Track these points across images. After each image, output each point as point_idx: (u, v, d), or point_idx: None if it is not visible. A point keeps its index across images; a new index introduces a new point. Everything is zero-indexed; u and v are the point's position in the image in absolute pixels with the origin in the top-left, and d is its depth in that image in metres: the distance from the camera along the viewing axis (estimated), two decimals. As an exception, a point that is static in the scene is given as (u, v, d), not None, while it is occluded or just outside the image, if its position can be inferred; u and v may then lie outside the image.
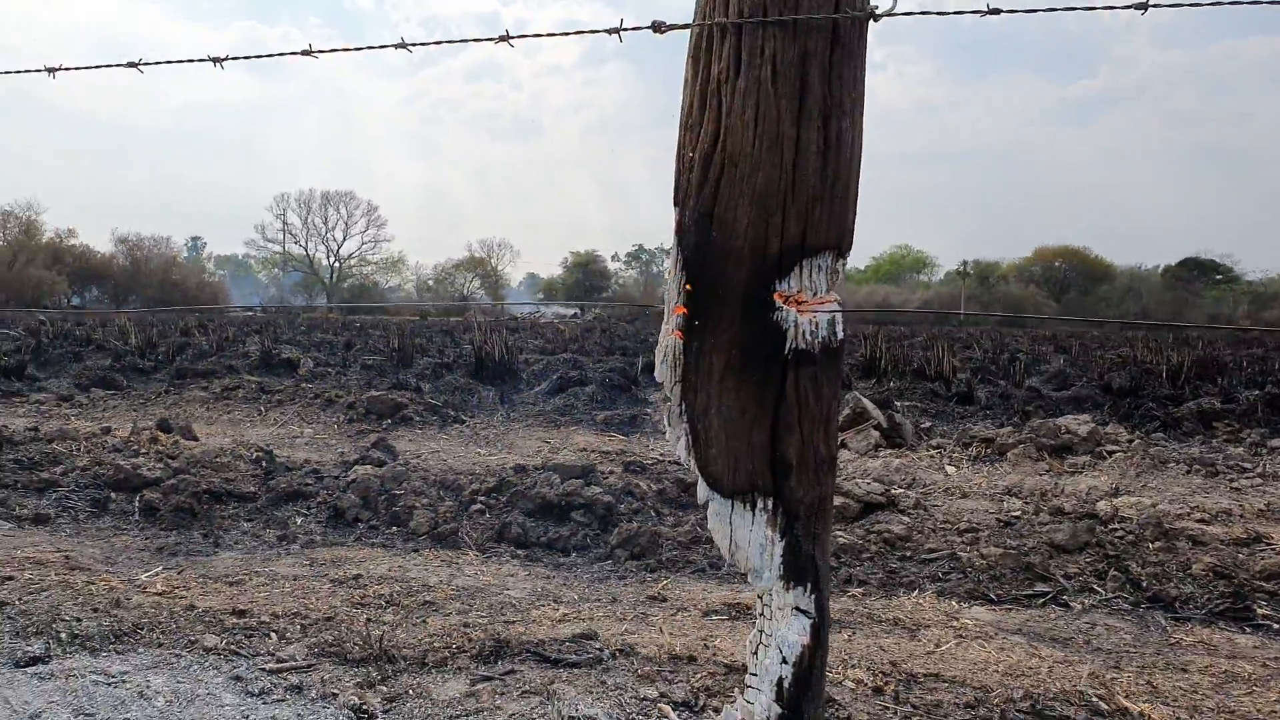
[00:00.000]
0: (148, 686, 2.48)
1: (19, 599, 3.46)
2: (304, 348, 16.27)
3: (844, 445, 7.10)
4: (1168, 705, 2.63)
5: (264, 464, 6.27)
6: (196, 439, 6.98)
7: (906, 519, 5.18)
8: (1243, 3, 1.60)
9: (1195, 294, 70.49)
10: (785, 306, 1.66)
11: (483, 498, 5.34)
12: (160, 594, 3.62)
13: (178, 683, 2.52)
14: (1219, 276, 75.34)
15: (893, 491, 5.88)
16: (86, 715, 2.31)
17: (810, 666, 1.81)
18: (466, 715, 2.29)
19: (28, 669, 2.62)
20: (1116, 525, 4.94)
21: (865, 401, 7.53)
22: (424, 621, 3.34)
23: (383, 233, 78.80)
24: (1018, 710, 2.38)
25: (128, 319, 21.73)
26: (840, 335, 1.74)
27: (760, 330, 1.66)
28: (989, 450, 6.93)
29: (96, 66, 2.17)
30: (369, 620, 3.30)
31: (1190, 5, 1.62)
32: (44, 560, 4.11)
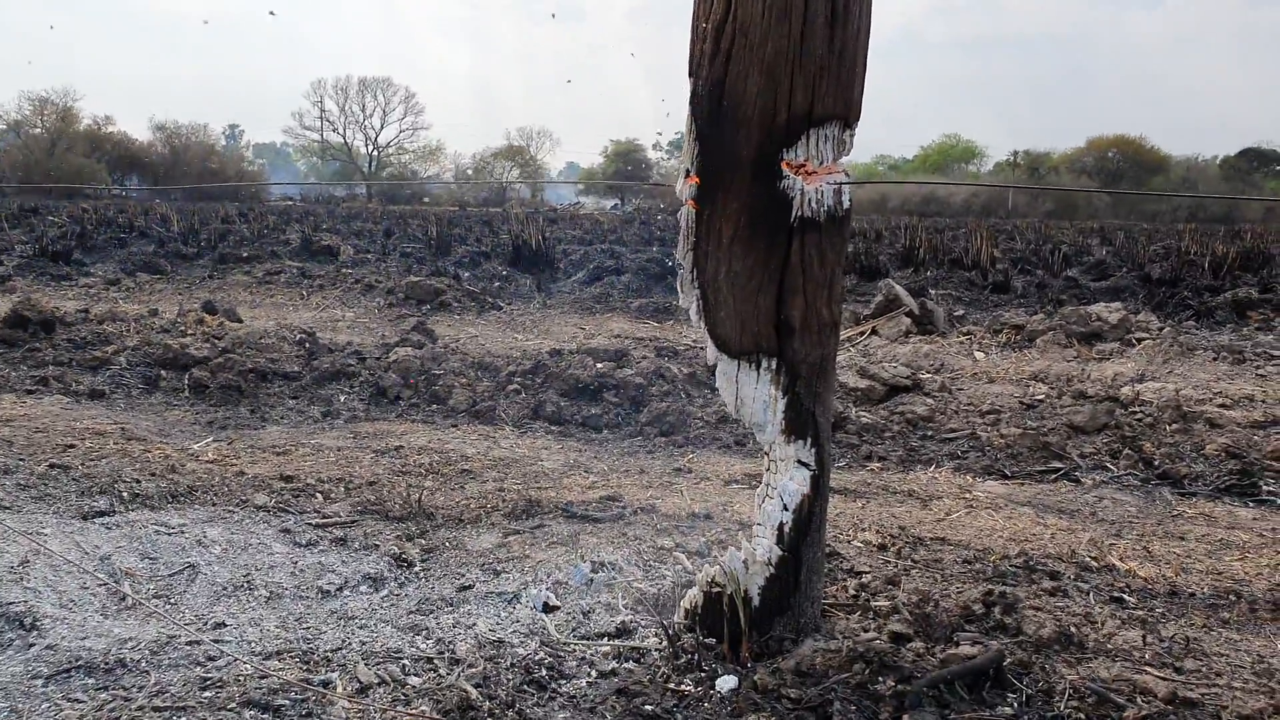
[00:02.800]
0: (205, 536, 2.70)
1: (81, 464, 3.70)
2: (343, 235, 16.47)
3: (875, 332, 7.18)
4: (1157, 566, 2.76)
5: (307, 345, 6.49)
6: (240, 321, 7.21)
7: (930, 401, 5.29)
8: None
9: (1254, 185, 68.23)
10: (792, 175, 1.74)
11: (519, 378, 5.52)
12: (212, 462, 3.85)
13: (232, 534, 2.74)
14: (1279, 167, 72.77)
15: (919, 375, 5.97)
16: (151, 558, 2.53)
17: (809, 514, 1.95)
18: (498, 563, 2.48)
19: (95, 520, 2.85)
20: (1136, 408, 5.01)
21: (898, 288, 7.56)
22: (461, 487, 3.54)
23: (420, 120, 78.02)
24: (1011, 566, 2.53)
25: (170, 207, 22.00)
26: (846, 204, 1.82)
27: (768, 198, 1.75)
28: (1019, 337, 6.98)
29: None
30: (409, 485, 3.52)
31: None
32: (102, 431, 4.36)
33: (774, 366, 1.86)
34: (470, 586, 2.29)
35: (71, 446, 4.01)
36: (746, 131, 1.72)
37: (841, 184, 1.78)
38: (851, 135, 1.78)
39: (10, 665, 1.89)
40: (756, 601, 1.96)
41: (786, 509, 1.93)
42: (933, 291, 9.22)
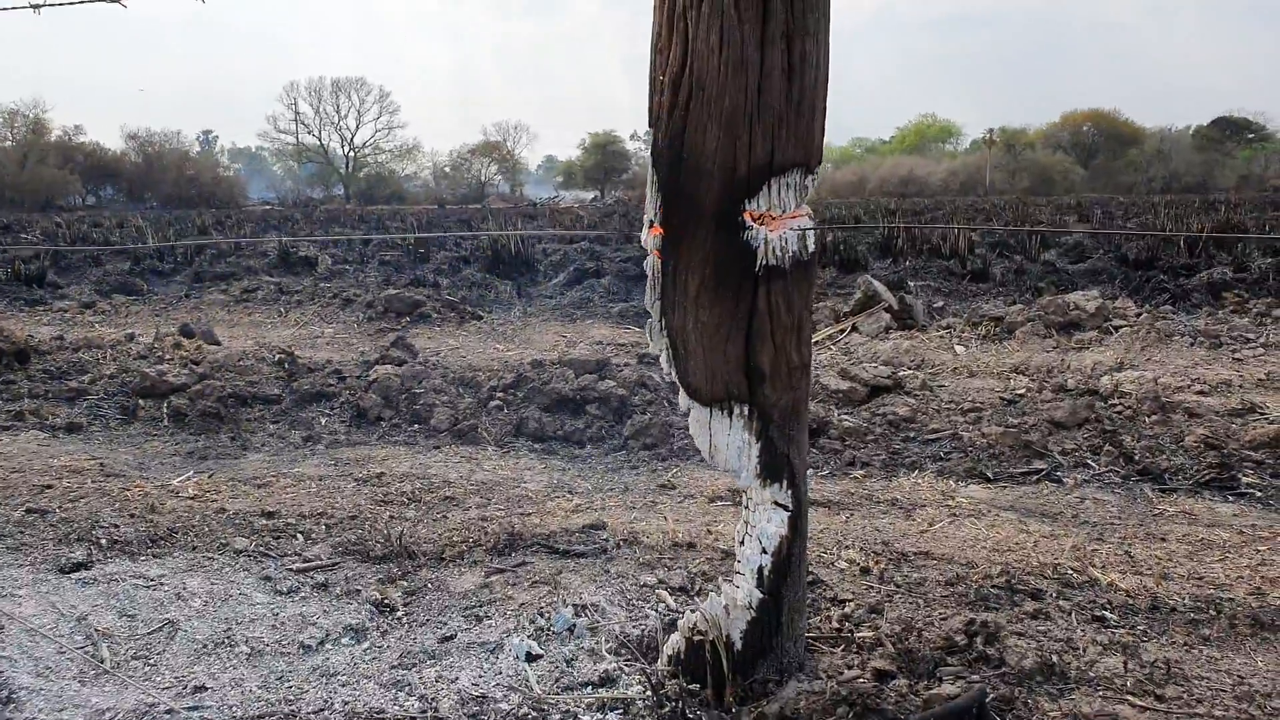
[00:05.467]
0: (184, 588, 2.68)
1: (59, 507, 3.66)
2: (322, 244, 16.36)
3: (855, 329, 7.18)
4: (1139, 575, 2.77)
5: (286, 366, 6.44)
6: (219, 343, 7.16)
7: (912, 400, 5.30)
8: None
9: (1227, 154, 68.95)
10: (755, 225, 1.72)
11: (500, 394, 5.50)
12: (192, 498, 3.82)
13: (212, 584, 2.71)
14: (1251, 135, 73.61)
15: (900, 374, 5.98)
16: (129, 616, 2.51)
17: (789, 555, 1.94)
18: (480, 606, 2.47)
19: (72, 575, 2.81)
20: (1116, 400, 5.04)
21: (876, 284, 7.57)
22: (444, 516, 3.52)
23: (396, 119, 77.80)
24: (993, 586, 2.54)
25: (143, 219, 21.85)
26: (811, 248, 1.81)
27: (732, 248, 1.74)
28: (998, 329, 7.00)
29: (81, 4, 2.20)
30: (392, 517, 3.50)
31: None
32: (80, 469, 4.31)
33: (746, 412, 1.85)
34: (452, 637, 2.27)
35: (49, 487, 3.97)
36: (708, 184, 1.71)
37: (806, 230, 1.77)
38: (814, 179, 1.77)
39: (-15, 748, 1.87)
40: (739, 645, 1.95)
41: (765, 552, 1.93)
42: (911, 283, 9.24)
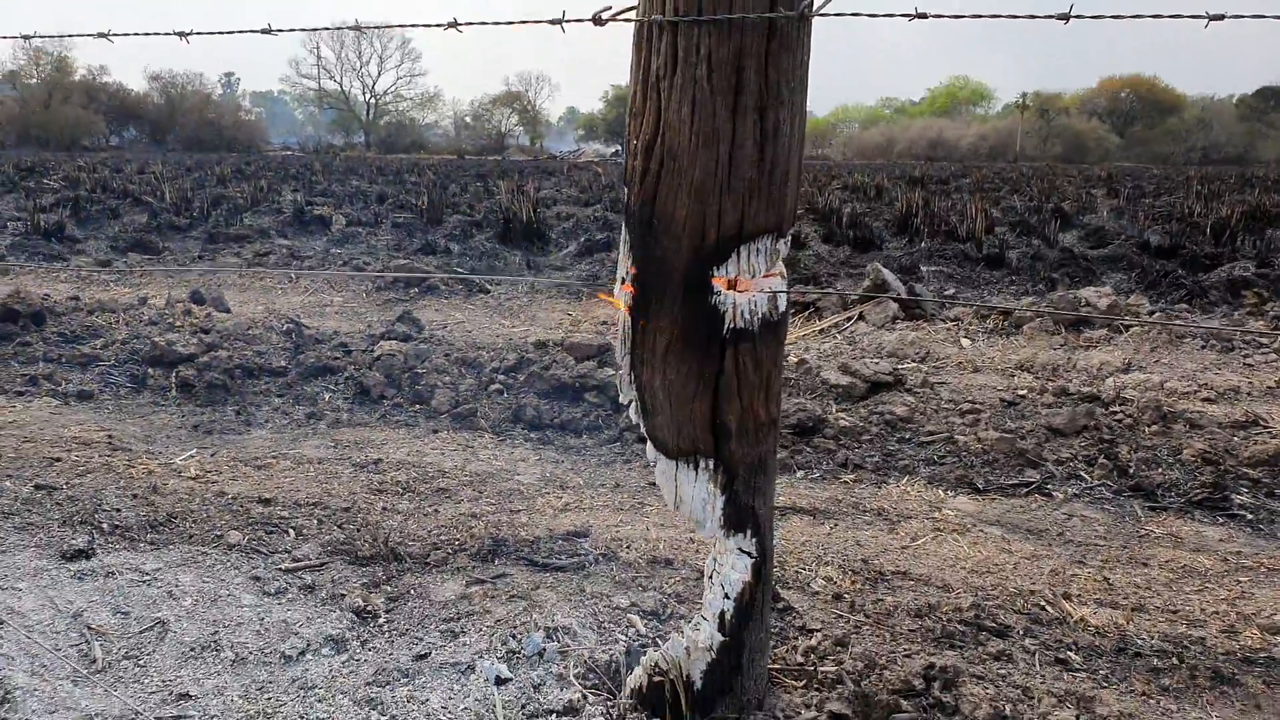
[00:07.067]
0: (177, 585, 2.76)
1: (66, 483, 3.76)
2: (337, 200, 16.38)
3: (862, 317, 7.17)
4: (1113, 607, 2.80)
5: (294, 336, 6.52)
6: (229, 310, 7.23)
7: (911, 399, 5.31)
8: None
9: (1271, 125, 67.75)
10: (724, 290, 1.74)
11: (501, 376, 5.55)
12: (194, 478, 3.91)
13: (203, 582, 2.79)
14: (1297, 106, 72.22)
15: (902, 368, 5.99)
16: (123, 613, 2.59)
17: (751, 600, 1.99)
18: (458, 619, 2.54)
19: (72, 565, 2.90)
20: (1116, 408, 5.03)
21: (885, 273, 7.53)
22: (435, 510, 3.59)
23: (417, 66, 77.41)
24: (960, 621, 2.58)
25: (162, 166, 21.90)
26: (781, 309, 1.83)
27: (700, 312, 1.76)
28: (1006, 322, 6.97)
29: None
30: (385, 509, 3.57)
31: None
32: (89, 440, 4.41)
33: (711, 466, 1.89)
34: (426, 655, 2.34)
35: (58, 460, 4.07)
36: (677, 249, 1.72)
37: (776, 292, 1.79)
38: (786, 242, 1.78)
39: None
40: (699, 685, 2.01)
41: (728, 597, 1.97)
42: (924, 268, 9.17)
